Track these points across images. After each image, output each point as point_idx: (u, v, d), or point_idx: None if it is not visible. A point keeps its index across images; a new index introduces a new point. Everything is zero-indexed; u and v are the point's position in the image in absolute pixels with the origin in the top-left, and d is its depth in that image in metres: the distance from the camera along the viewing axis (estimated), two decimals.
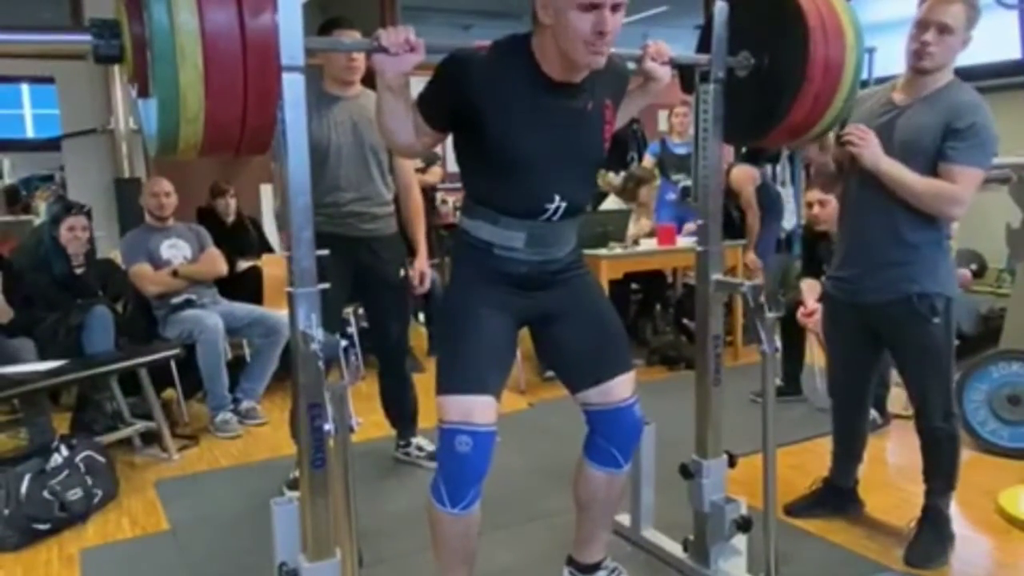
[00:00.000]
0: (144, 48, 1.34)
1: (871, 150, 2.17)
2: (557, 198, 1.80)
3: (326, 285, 1.72)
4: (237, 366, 3.99)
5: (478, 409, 1.78)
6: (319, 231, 1.74)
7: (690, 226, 4.80)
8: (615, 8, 1.62)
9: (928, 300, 2.25)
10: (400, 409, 3.24)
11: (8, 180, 8.53)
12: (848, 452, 2.65)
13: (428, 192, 4.98)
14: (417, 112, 1.75)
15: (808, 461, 3.01)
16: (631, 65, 1.95)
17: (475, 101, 1.70)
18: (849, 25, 1.99)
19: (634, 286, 5.14)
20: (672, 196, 5.38)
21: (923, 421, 2.37)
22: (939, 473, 2.40)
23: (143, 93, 1.44)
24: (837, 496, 2.67)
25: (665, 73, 1.93)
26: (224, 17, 1.31)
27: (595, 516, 2.10)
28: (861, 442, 2.64)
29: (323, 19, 2.86)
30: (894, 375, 3.62)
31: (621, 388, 1.99)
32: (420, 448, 3.24)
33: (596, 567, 2.16)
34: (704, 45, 2.14)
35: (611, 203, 5.31)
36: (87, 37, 1.38)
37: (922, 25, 2.17)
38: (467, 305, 1.86)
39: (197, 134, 1.41)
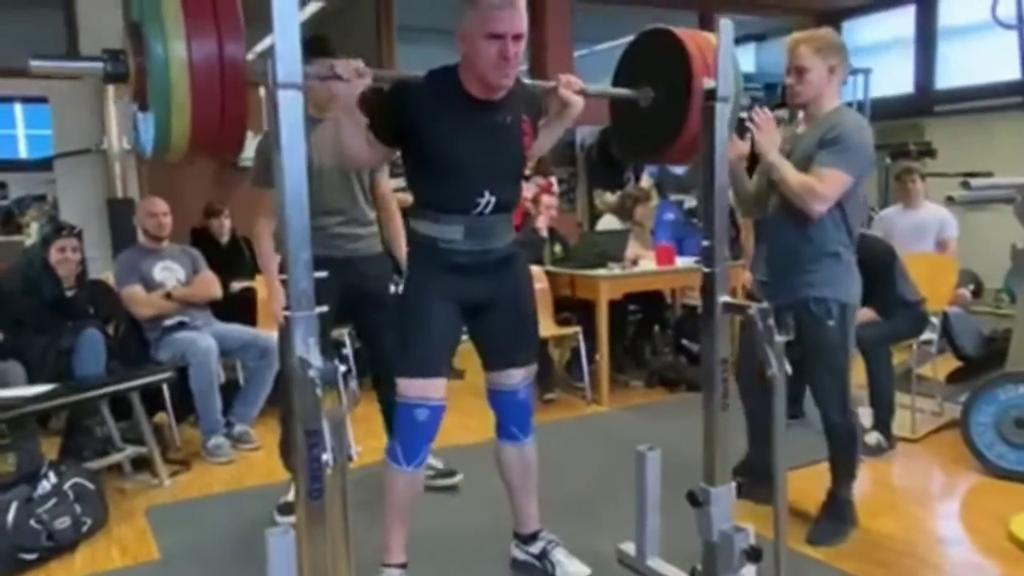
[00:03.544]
0: (145, 71, 1.56)
1: (766, 137, 2.48)
2: (487, 193, 2.16)
3: (324, 308, 1.67)
4: (230, 389, 3.93)
5: (432, 388, 2.20)
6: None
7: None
8: (516, 38, 2.01)
9: (824, 304, 2.51)
10: None
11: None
12: (756, 433, 2.90)
13: (407, 211, 4.96)
14: (369, 131, 2.11)
15: (813, 486, 2.95)
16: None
17: (414, 116, 2.10)
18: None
19: (632, 307, 5.09)
20: (671, 216, 5.35)
21: (822, 415, 2.63)
22: (840, 465, 2.68)
23: (143, 108, 1.63)
24: (755, 471, 2.81)
25: (577, 101, 2.23)
26: (206, 46, 1.56)
27: (518, 487, 2.45)
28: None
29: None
30: (898, 397, 3.59)
31: (517, 376, 2.36)
32: (429, 467, 3.10)
33: (534, 537, 2.49)
34: (619, 77, 2.37)
35: (607, 223, 5.28)
36: (99, 65, 1.62)
37: (787, 71, 2.55)
38: (419, 299, 2.22)
39: (185, 127, 1.59)
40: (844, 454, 2.65)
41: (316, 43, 2.68)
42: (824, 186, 2.41)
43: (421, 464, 2.25)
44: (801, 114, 2.64)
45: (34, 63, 1.61)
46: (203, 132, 1.59)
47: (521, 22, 2.02)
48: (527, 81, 2.30)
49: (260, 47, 4.82)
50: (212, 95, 1.55)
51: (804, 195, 2.41)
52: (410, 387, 2.20)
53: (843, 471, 2.67)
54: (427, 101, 2.09)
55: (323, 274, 1.69)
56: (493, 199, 2.16)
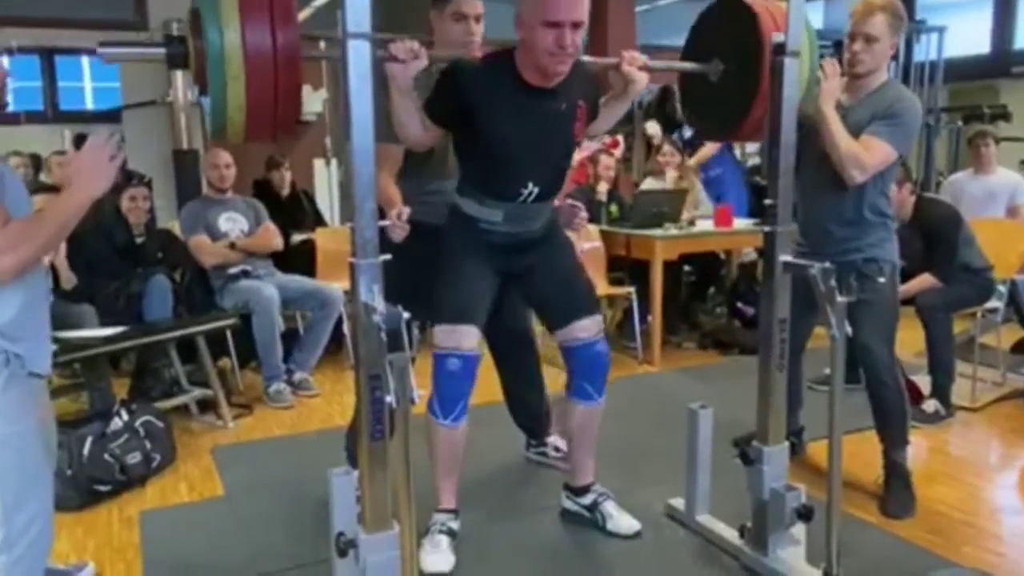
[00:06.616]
0: (203, 59, 1.62)
1: (831, 87, 2.37)
2: (530, 184, 2.18)
3: (388, 256, 1.71)
4: (290, 338, 4.03)
5: (464, 336, 2.22)
6: (420, 220, 2.03)
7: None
8: (575, 26, 1.97)
9: (875, 264, 2.52)
10: (528, 413, 2.92)
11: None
12: (790, 398, 2.78)
13: None
14: (424, 112, 2.09)
15: (867, 450, 2.93)
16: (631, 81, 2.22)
17: (468, 100, 2.09)
18: (804, 33, 2.13)
19: (687, 268, 5.04)
20: (703, 174, 5.30)
21: (871, 376, 2.62)
22: (891, 428, 2.65)
23: (203, 92, 1.69)
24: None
25: (641, 77, 2.20)
26: (259, 33, 1.60)
27: (581, 444, 2.49)
28: (797, 390, 2.85)
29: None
30: (960, 366, 3.52)
31: (583, 328, 2.33)
32: (558, 448, 2.93)
33: (586, 489, 2.53)
34: (689, 50, 2.36)
35: (648, 184, 5.18)
36: (161, 50, 1.74)
37: (851, 37, 2.46)
38: (453, 258, 2.26)
39: (240, 122, 1.67)
40: (894, 416, 2.63)
41: None
42: (870, 156, 2.39)
43: (458, 419, 2.26)
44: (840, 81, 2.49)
45: (102, 51, 1.68)
46: (258, 116, 1.64)
47: (580, 9, 1.98)
48: (587, 59, 2.25)
49: (317, 1, 4.85)
50: (265, 81, 1.60)
51: (847, 161, 2.38)
52: (443, 335, 2.22)
53: (895, 435, 2.64)
54: (482, 86, 2.09)
55: (386, 223, 1.72)
56: (536, 189, 2.19)
